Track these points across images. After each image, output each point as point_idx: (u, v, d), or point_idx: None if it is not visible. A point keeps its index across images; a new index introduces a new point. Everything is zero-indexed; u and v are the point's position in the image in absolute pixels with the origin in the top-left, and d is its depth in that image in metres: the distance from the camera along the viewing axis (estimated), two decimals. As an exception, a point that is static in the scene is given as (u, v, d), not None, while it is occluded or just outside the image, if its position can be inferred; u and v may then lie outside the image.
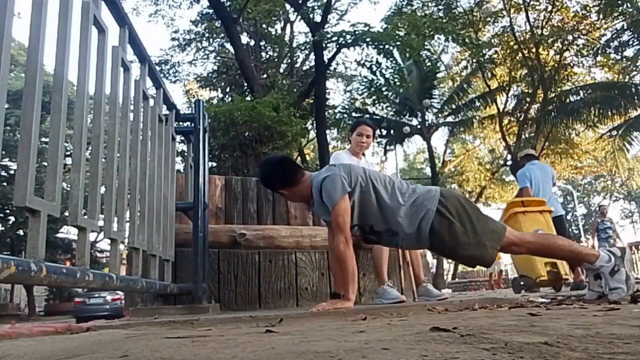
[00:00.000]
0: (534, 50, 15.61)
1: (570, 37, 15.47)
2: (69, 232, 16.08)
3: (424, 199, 2.21)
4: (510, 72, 16.74)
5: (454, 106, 19.36)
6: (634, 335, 0.81)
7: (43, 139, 5.63)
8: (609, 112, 15.14)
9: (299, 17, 14.31)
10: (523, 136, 16.51)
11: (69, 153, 3.66)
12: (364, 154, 3.64)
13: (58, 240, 15.98)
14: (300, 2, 12.81)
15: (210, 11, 14.38)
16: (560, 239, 2.33)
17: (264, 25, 16.13)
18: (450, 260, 26.23)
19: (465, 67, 19.29)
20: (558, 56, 15.78)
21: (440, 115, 20.21)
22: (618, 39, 14.98)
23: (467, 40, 12.60)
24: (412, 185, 2.36)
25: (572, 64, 16.27)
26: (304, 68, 17.18)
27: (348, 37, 10.62)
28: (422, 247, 2.34)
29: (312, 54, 13.92)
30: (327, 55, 12.19)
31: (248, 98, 9.83)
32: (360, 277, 3.19)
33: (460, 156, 24.96)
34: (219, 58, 17.16)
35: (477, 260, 2.20)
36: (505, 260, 20.96)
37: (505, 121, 17.49)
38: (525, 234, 2.31)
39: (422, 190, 2.28)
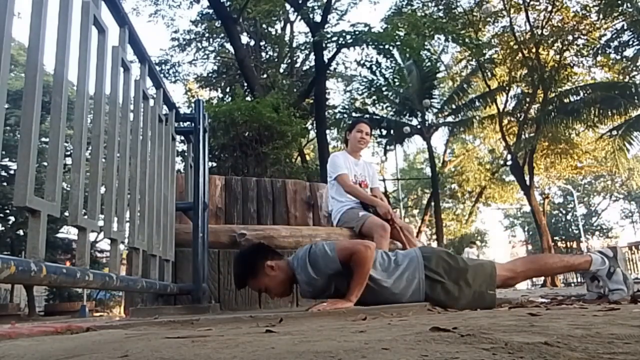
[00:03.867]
0: (534, 50, 15.62)
1: (570, 37, 15.48)
2: (69, 232, 16.08)
3: (408, 270, 2.14)
4: (510, 72, 16.75)
5: (454, 106, 19.38)
6: (634, 335, 0.81)
7: (43, 139, 5.63)
8: (609, 112, 15.15)
9: (299, 17, 14.32)
10: (523, 136, 16.51)
11: (69, 153, 3.66)
12: (361, 155, 3.65)
13: (58, 240, 15.97)
14: (300, 2, 12.81)
15: (210, 11, 14.38)
16: (550, 257, 2.34)
17: (264, 25, 16.14)
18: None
19: (465, 67, 19.32)
20: (558, 56, 15.79)
21: (440, 115, 20.22)
22: (618, 39, 14.98)
23: (467, 40, 12.61)
24: (391, 253, 2.28)
25: (572, 64, 16.28)
26: (304, 68, 17.19)
27: (348, 37, 10.63)
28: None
29: (312, 54, 13.94)
30: (327, 55, 12.20)
31: (248, 98, 9.82)
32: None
33: (460, 156, 24.97)
34: (219, 58, 17.16)
35: (481, 308, 2.13)
36: (506, 260, 20.99)
37: (505, 121, 17.50)
38: (515, 264, 2.27)
39: (402, 258, 2.20)
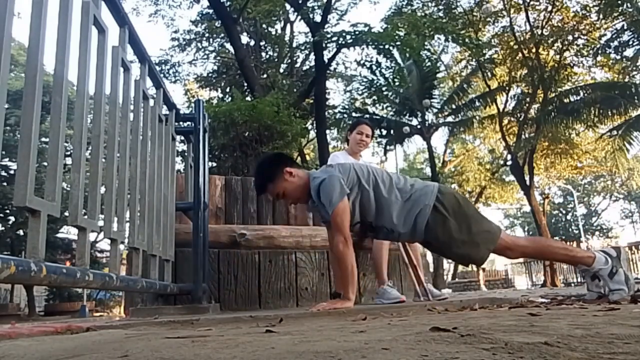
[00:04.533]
0: (534, 50, 15.61)
1: (570, 37, 15.47)
2: (69, 232, 16.07)
3: (421, 194, 2.21)
4: (510, 72, 16.75)
5: (454, 106, 19.37)
6: (634, 335, 0.81)
7: (43, 139, 5.63)
8: (609, 112, 15.13)
9: (299, 17, 14.32)
10: (523, 136, 16.51)
11: (69, 153, 3.66)
12: (361, 155, 3.64)
13: (58, 240, 15.96)
14: (300, 2, 12.81)
15: (210, 11, 14.38)
16: (555, 242, 2.33)
17: (264, 25, 16.14)
18: (450, 260, 26.30)
19: (465, 67, 19.31)
20: (558, 56, 15.78)
21: (440, 115, 20.22)
22: (618, 39, 14.97)
23: (467, 40, 12.60)
24: (410, 179, 2.35)
25: (572, 64, 16.27)
26: (304, 68, 17.18)
27: (348, 37, 10.62)
28: (417, 240, 2.34)
29: (312, 54, 13.93)
30: (327, 55, 12.19)
31: (248, 98, 9.82)
32: (360, 277, 3.19)
33: (460, 156, 24.96)
34: (219, 58, 17.16)
35: (469, 259, 2.21)
36: (506, 260, 20.99)
37: (505, 121, 17.49)
38: (519, 238, 2.29)
39: (419, 185, 2.28)
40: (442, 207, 2.16)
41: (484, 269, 20.29)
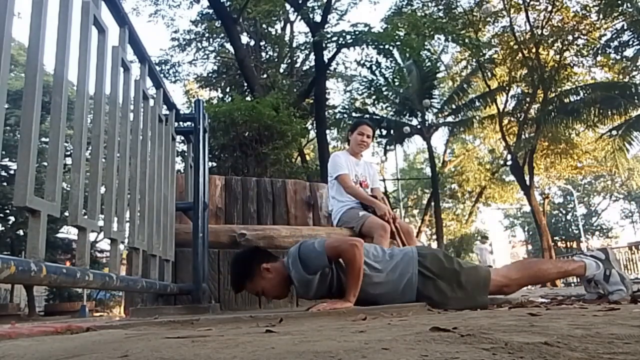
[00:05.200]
0: (534, 50, 15.62)
1: (570, 37, 15.48)
2: (69, 232, 16.07)
3: (403, 263, 2.15)
4: (510, 72, 16.75)
5: (454, 106, 19.38)
6: (634, 335, 0.81)
7: (43, 139, 5.63)
8: (609, 112, 15.14)
9: (299, 17, 14.32)
10: (523, 136, 16.51)
11: (69, 153, 3.66)
12: (362, 155, 3.65)
13: (58, 240, 15.97)
14: (300, 2, 12.81)
15: (210, 11, 14.38)
16: (543, 263, 2.34)
17: (264, 25, 16.14)
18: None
19: (465, 67, 19.31)
20: (558, 56, 15.79)
21: (440, 115, 20.22)
22: (618, 39, 14.98)
23: (467, 40, 12.61)
24: (387, 249, 2.30)
25: (572, 64, 16.28)
26: (304, 68, 17.19)
27: (348, 37, 10.63)
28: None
29: (312, 54, 13.93)
30: (327, 55, 12.20)
31: (248, 98, 9.82)
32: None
33: (460, 156, 24.97)
34: (219, 58, 17.16)
35: (472, 309, 2.15)
36: (506, 260, 20.97)
37: (505, 121, 17.50)
38: (510, 271, 2.25)
39: (398, 254, 2.22)
40: (427, 271, 2.11)
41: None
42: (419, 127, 18.92)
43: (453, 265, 2.16)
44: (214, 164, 7.16)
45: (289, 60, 17.37)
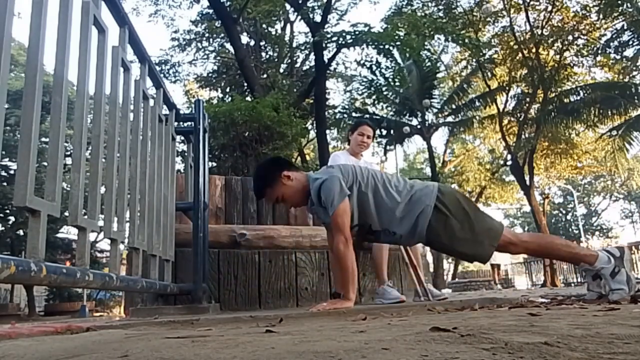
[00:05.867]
0: (534, 50, 15.61)
1: (570, 37, 15.47)
2: (69, 232, 16.07)
3: (422, 194, 2.20)
4: (510, 72, 16.75)
5: (454, 106, 19.37)
6: (634, 335, 0.81)
7: (43, 139, 5.63)
8: (609, 112, 15.14)
9: (299, 17, 14.31)
10: (523, 136, 16.51)
11: (69, 153, 3.66)
12: (362, 155, 3.64)
13: (58, 240, 15.96)
14: (300, 2, 12.81)
15: (210, 11, 14.37)
16: (558, 239, 2.32)
17: (264, 25, 16.13)
18: (450, 260, 26.28)
19: (465, 67, 19.30)
20: (558, 56, 15.78)
21: (440, 115, 20.22)
22: (618, 39, 14.97)
23: (467, 40, 12.60)
24: (410, 180, 2.35)
25: (572, 64, 16.27)
26: (304, 68, 17.18)
27: (348, 37, 10.62)
28: (420, 242, 2.34)
29: (312, 54, 13.93)
30: (327, 55, 12.19)
31: (248, 98, 9.83)
32: (360, 277, 3.19)
33: (460, 156, 24.96)
34: (219, 58, 17.16)
35: (473, 257, 2.21)
36: (506, 260, 21.00)
37: (505, 121, 17.49)
38: (522, 234, 2.31)
39: (419, 186, 2.27)
40: (443, 207, 2.15)
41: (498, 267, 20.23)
42: (419, 127, 18.92)
43: (470, 207, 2.21)
44: (214, 164, 7.16)
45: (289, 60, 17.36)
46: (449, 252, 2.36)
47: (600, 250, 2.18)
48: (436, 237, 2.16)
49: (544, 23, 15.60)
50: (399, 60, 14.69)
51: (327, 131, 14.73)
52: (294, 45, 17.50)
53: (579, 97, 15.84)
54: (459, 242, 2.13)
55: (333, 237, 2.25)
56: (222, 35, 15.23)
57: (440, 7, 15.40)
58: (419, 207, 2.18)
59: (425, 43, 12.75)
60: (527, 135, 16.63)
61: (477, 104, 18.49)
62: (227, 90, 15.74)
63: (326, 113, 14.09)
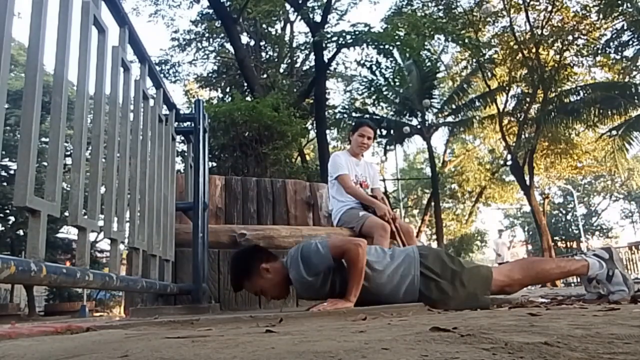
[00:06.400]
0: (534, 50, 15.61)
1: (570, 37, 15.47)
2: (69, 232, 16.08)
3: (404, 265, 2.14)
4: (510, 72, 16.75)
5: (454, 106, 19.38)
6: (634, 335, 0.81)
7: (43, 139, 5.63)
8: (609, 112, 15.15)
9: (299, 17, 14.32)
10: (523, 136, 16.51)
11: (69, 153, 3.66)
12: (362, 155, 3.65)
13: (58, 240, 15.97)
14: (300, 2, 12.81)
15: (210, 11, 14.38)
16: (546, 263, 2.32)
17: (264, 25, 16.14)
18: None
19: (465, 67, 19.31)
20: (558, 56, 15.79)
21: (440, 115, 20.23)
22: (618, 39, 14.97)
23: (467, 40, 12.61)
24: (387, 250, 2.29)
25: (572, 64, 16.27)
26: (304, 68, 17.19)
27: (348, 37, 10.63)
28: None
29: (312, 54, 13.93)
30: (327, 55, 12.20)
31: (248, 98, 9.83)
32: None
33: (460, 156, 24.97)
34: (219, 58, 17.16)
35: (473, 308, 2.15)
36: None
37: (505, 121, 17.50)
38: (512, 271, 2.23)
39: (399, 254, 2.20)
40: (429, 272, 2.10)
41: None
42: (419, 127, 18.92)
43: (455, 264, 2.15)
44: (214, 164, 7.16)
45: (289, 60, 17.37)
46: (448, 309, 2.30)
47: (589, 256, 2.15)
48: (430, 302, 2.08)
49: (544, 23, 15.61)
50: (399, 60, 14.70)
51: (327, 131, 14.74)
52: (294, 45, 17.51)
53: (579, 97, 15.85)
54: (454, 301, 2.07)
55: (348, 243, 2.15)
56: (222, 35, 15.23)
57: (440, 7, 15.40)
58: (405, 280, 2.11)
59: (425, 43, 12.75)
60: (527, 135, 16.63)
61: (477, 104, 18.50)
62: (227, 90, 15.75)
63: (326, 113, 14.09)
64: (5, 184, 14.99)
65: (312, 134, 15.21)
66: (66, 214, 1.32)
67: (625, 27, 14.65)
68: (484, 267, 2.24)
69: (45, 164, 1.22)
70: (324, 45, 11.44)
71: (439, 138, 63.39)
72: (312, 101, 13.86)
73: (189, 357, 0.80)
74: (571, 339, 0.79)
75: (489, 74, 17.26)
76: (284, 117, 7.40)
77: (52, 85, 1.25)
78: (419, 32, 11.18)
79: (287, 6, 14.72)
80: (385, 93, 17.43)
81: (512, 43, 16.12)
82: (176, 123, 2.71)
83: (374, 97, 16.98)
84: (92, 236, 3.01)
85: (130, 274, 1.88)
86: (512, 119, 17.78)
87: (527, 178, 16.30)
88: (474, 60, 16.58)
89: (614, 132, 15.47)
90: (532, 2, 15.52)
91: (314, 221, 3.82)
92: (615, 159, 15.44)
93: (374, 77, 15.63)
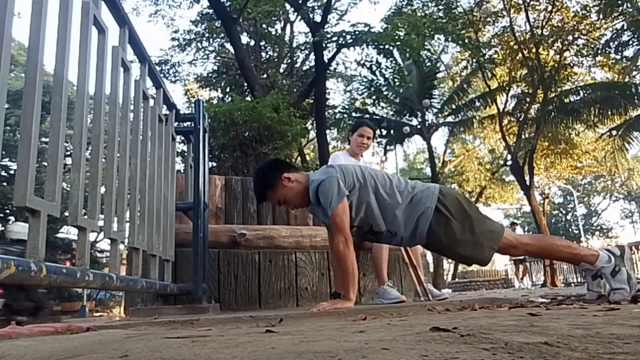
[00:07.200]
0: (534, 50, 15.61)
1: (570, 37, 15.47)
2: (69, 232, 16.06)
3: (423, 196, 2.20)
4: (510, 72, 16.74)
5: (454, 106, 19.37)
6: (634, 335, 0.81)
7: (43, 139, 5.63)
8: (609, 112, 15.14)
9: (299, 17, 14.31)
10: (523, 136, 16.51)
11: (69, 153, 3.65)
12: (362, 155, 3.64)
13: (58, 240, 15.96)
14: (300, 2, 12.81)
15: (210, 11, 14.37)
16: (558, 240, 2.32)
17: (264, 25, 16.13)
18: (450, 260, 26.26)
19: (465, 67, 19.30)
20: (558, 56, 15.78)
21: (440, 115, 20.22)
22: (618, 39, 14.97)
23: (467, 40, 12.61)
24: (411, 182, 2.34)
25: (572, 64, 16.27)
26: (304, 68, 17.17)
27: (348, 37, 10.62)
28: (420, 243, 2.33)
29: (312, 54, 13.92)
30: (327, 55, 12.19)
31: (248, 98, 9.83)
32: (360, 277, 3.19)
33: (460, 156, 24.96)
34: (219, 58, 17.16)
35: (474, 260, 2.20)
36: (506, 260, 20.99)
37: (505, 121, 17.49)
38: (523, 236, 2.29)
39: (420, 187, 2.26)
40: (444, 209, 2.15)
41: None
42: (419, 127, 18.92)
43: (470, 209, 2.20)
44: (214, 164, 7.16)
45: (289, 60, 17.36)
46: (449, 255, 2.36)
47: (601, 249, 2.17)
48: (436, 238, 2.15)
49: (544, 23, 15.60)
50: (399, 60, 14.69)
51: (327, 131, 14.74)
52: (294, 45, 17.50)
53: (579, 97, 15.84)
54: (459, 244, 2.12)
55: (333, 237, 2.25)
56: (222, 35, 15.22)
57: (440, 7, 15.39)
58: (419, 209, 2.17)
59: (425, 43, 12.74)
60: (527, 135, 16.63)
61: (477, 104, 18.49)
62: (227, 90, 15.74)
63: (326, 113, 14.09)
64: (5, 184, 14.98)
65: (312, 134, 15.21)
66: (66, 214, 1.32)
67: (625, 27, 14.64)
68: (497, 223, 2.26)
69: (45, 164, 1.22)
70: (324, 45, 11.43)
71: (439, 138, 63.48)
72: (312, 101, 13.85)
73: (189, 357, 0.80)
74: (571, 339, 0.79)
75: (489, 74, 17.25)
76: (284, 117, 7.40)
77: (52, 85, 1.25)
78: (419, 32, 11.18)
79: (287, 6, 14.71)
80: (385, 93, 17.41)
81: (512, 43, 16.11)
82: (176, 123, 2.71)
83: (374, 97, 16.96)
84: (92, 236, 3.01)
85: (130, 274, 1.88)
86: (512, 119, 17.77)
87: (527, 178, 16.30)
88: (474, 60, 16.57)
89: (613, 132, 15.47)
90: (532, 2, 15.52)
91: (313, 221, 3.82)
92: (615, 159, 15.44)
93: (374, 77, 15.62)
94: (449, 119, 20.45)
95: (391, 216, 2.20)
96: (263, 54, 16.65)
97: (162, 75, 6.92)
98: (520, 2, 15.52)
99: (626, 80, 15.53)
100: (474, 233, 2.13)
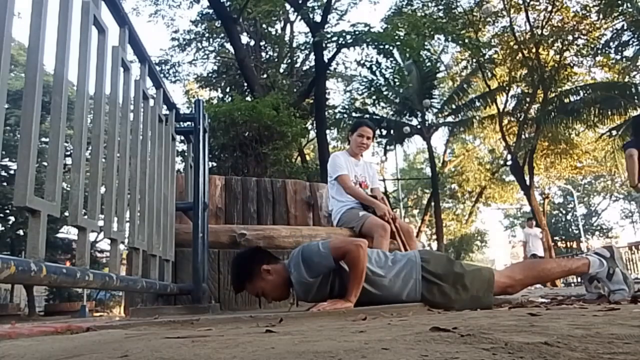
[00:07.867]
0: (534, 50, 15.62)
1: (570, 37, 15.48)
2: (69, 232, 16.07)
3: (406, 269, 2.13)
4: (510, 72, 16.76)
5: (454, 106, 19.39)
6: (634, 335, 0.81)
7: (43, 139, 5.63)
8: (609, 112, 15.16)
9: (299, 17, 14.31)
10: (523, 136, 16.52)
11: (69, 153, 3.66)
12: (361, 155, 3.65)
13: (58, 240, 15.96)
14: (300, 2, 12.81)
15: (210, 11, 14.38)
16: (548, 263, 2.33)
17: (264, 25, 16.13)
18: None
19: (465, 67, 19.32)
20: (558, 56, 15.80)
21: (440, 115, 20.23)
22: (618, 39, 14.98)
23: (467, 40, 12.62)
24: (389, 254, 2.28)
25: (572, 64, 16.28)
26: (304, 68, 17.18)
27: (348, 37, 10.63)
28: None
29: (312, 54, 13.93)
30: (327, 55, 12.20)
31: (248, 98, 9.83)
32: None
33: (460, 156, 24.98)
34: (219, 58, 17.16)
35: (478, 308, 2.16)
36: (505, 260, 20.96)
37: (505, 121, 17.51)
38: (513, 271, 2.24)
39: (401, 259, 2.19)
40: (431, 276, 2.10)
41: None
42: (419, 127, 18.93)
43: (456, 268, 2.15)
44: (214, 164, 7.16)
45: (289, 60, 17.36)
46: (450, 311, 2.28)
47: (589, 254, 2.16)
48: (434, 305, 2.07)
49: (544, 23, 15.62)
50: (399, 60, 14.69)
51: (327, 131, 14.74)
52: (294, 45, 17.51)
53: (579, 97, 15.86)
54: (458, 304, 2.07)
55: (349, 243, 2.15)
56: (222, 35, 15.23)
57: (440, 7, 15.40)
58: (407, 284, 2.11)
59: (425, 43, 12.75)
60: (527, 135, 16.65)
61: (477, 104, 18.50)
62: (227, 90, 15.75)
63: (326, 113, 14.10)
64: (5, 184, 14.98)
65: (312, 134, 15.21)
66: (66, 214, 1.32)
67: (625, 27, 14.66)
68: (485, 269, 2.24)
69: (45, 164, 1.22)
70: (324, 45, 11.44)
71: (439, 138, 63.51)
72: (312, 101, 13.86)
73: (189, 357, 0.80)
74: (571, 339, 0.79)
75: (489, 74, 17.27)
76: (284, 117, 7.40)
77: (52, 85, 1.25)
78: (419, 32, 11.18)
79: (287, 6, 14.71)
80: (385, 93, 17.43)
81: (512, 43, 16.13)
82: (176, 123, 2.71)
83: (374, 97, 16.97)
84: (92, 236, 3.01)
85: (130, 274, 1.88)
86: (512, 119, 17.79)
87: (527, 178, 16.31)
88: (474, 60, 16.58)
89: (613, 132, 15.48)
90: (532, 2, 15.53)
91: (314, 221, 3.82)
92: (615, 159, 15.46)
93: (374, 77, 15.63)
94: (449, 119, 20.47)
95: (381, 287, 2.13)
96: (263, 54, 16.66)
97: (162, 75, 6.93)
98: (520, 2, 15.54)
99: (626, 80, 15.54)
100: (468, 289, 2.09)
